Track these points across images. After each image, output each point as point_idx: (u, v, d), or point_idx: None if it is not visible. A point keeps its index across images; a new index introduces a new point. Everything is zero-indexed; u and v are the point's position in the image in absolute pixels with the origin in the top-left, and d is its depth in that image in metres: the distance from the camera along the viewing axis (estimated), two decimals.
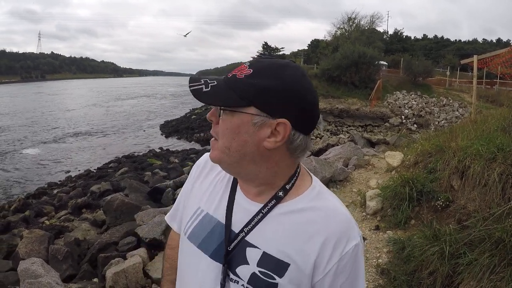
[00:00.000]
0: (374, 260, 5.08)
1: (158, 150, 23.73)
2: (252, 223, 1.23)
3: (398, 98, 33.90)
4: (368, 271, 4.87)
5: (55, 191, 15.43)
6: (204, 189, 1.42)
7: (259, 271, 1.19)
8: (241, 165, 1.22)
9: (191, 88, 1.17)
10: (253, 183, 1.26)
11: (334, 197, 1.30)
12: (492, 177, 4.60)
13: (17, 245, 7.41)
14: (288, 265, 1.18)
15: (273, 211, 1.24)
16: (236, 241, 1.23)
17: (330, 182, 7.70)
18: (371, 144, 20.39)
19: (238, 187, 1.32)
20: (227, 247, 1.23)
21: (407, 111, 31.24)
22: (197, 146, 26.28)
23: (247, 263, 1.21)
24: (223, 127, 1.19)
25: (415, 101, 32.90)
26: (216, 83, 1.18)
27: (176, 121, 37.60)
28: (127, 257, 6.19)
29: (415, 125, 28.99)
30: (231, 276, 1.23)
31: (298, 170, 1.29)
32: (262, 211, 1.24)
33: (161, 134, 32.11)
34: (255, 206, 1.26)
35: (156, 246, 6.53)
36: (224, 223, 1.28)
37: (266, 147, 1.17)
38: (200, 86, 1.17)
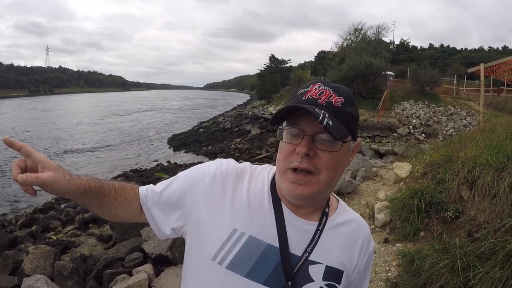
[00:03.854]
0: (384, 274, 5.00)
1: (165, 164, 23.53)
2: (313, 242, 1.27)
3: (406, 108, 33.90)
4: (378, 285, 4.79)
5: (62, 206, 15.30)
6: (235, 206, 1.29)
7: (325, 285, 1.25)
8: (329, 192, 1.31)
9: (324, 125, 1.10)
10: (314, 205, 1.30)
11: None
12: (502, 187, 4.53)
13: (23, 261, 7.35)
14: (342, 272, 1.30)
15: (325, 227, 1.31)
16: (300, 263, 1.24)
17: (337, 195, 7.61)
18: (379, 155, 20.26)
19: (284, 206, 1.29)
20: (292, 271, 1.22)
21: (415, 121, 31.13)
22: (205, 159, 26.12)
23: (312, 280, 1.24)
24: (332, 160, 1.19)
25: (422, 110, 32.84)
26: (325, 113, 1.14)
27: (184, 135, 37.37)
28: (133, 273, 6.14)
29: (423, 135, 28.83)
30: None
31: None
32: (319, 228, 1.30)
33: (169, 148, 31.86)
34: (311, 225, 1.30)
35: (162, 262, 6.47)
36: (278, 246, 1.23)
37: (346, 166, 1.32)
38: (326, 120, 1.12)
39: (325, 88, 1.20)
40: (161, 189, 1.38)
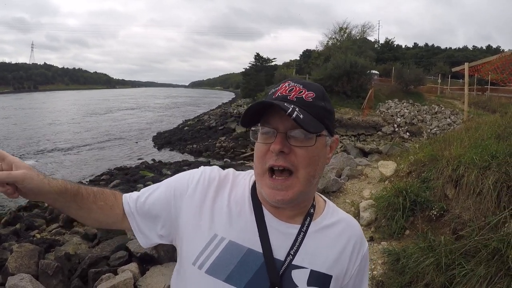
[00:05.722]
0: (369, 272, 5.00)
1: (150, 162, 23.42)
2: (296, 245, 1.25)
3: (390, 106, 34.06)
4: None
5: (46, 204, 15.17)
6: (216, 212, 1.29)
7: None
8: (311, 191, 1.29)
9: (293, 117, 1.09)
10: (296, 207, 1.28)
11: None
12: (486, 186, 4.56)
13: (7, 260, 7.26)
14: (330, 277, 1.27)
15: (309, 229, 1.29)
16: (284, 267, 1.22)
17: (323, 194, 7.62)
18: (364, 153, 20.33)
19: (265, 210, 1.28)
20: (278, 275, 1.20)
21: (400, 120, 31.32)
22: (190, 158, 26.04)
23: (296, 286, 1.21)
24: (309, 155, 1.17)
25: (407, 109, 33.03)
26: (294, 107, 1.12)
27: (169, 133, 37.21)
28: (118, 272, 6.10)
29: (407, 133, 29.01)
30: None
31: None
32: (302, 229, 1.28)
33: (154, 146, 31.69)
34: (293, 228, 1.28)
35: (147, 261, 6.45)
36: (261, 251, 1.22)
37: (326, 164, 1.28)
38: (296, 113, 1.10)
39: (295, 84, 1.20)
40: (145, 197, 1.37)
